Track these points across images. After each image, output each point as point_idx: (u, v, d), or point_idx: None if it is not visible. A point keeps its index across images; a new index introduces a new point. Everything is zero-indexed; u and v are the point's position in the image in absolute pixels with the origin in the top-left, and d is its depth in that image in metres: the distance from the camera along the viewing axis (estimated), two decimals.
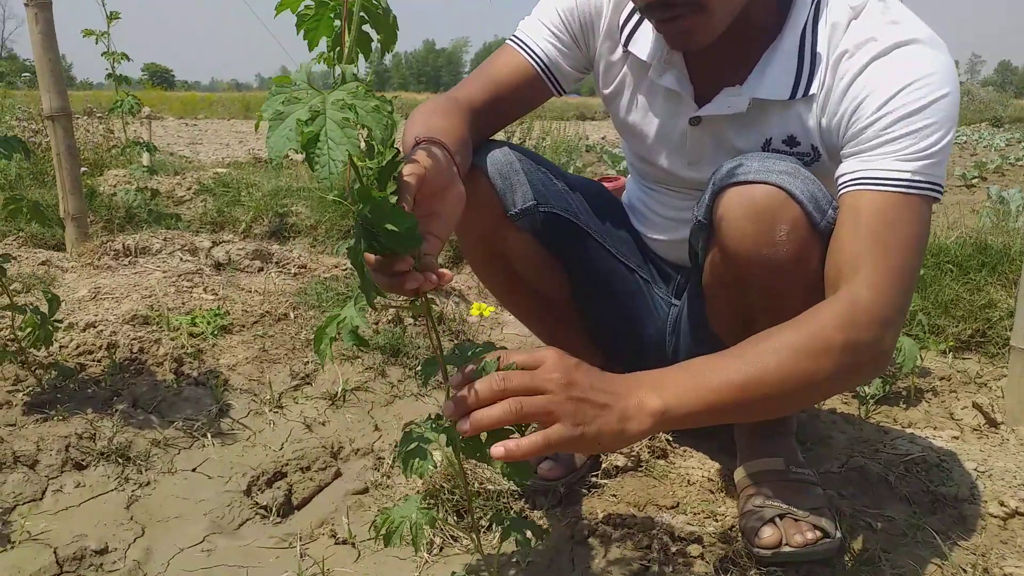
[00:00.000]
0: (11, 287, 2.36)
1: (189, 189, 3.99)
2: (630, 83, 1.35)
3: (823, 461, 1.50)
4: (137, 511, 1.50)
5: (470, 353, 0.95)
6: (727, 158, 1.25)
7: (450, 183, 0.95)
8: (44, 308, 1.78)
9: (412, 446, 0.93)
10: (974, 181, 7.42)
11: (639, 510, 1.34)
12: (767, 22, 1.19)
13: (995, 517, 1.33)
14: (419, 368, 2.20)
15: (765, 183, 1.09)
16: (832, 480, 1.44)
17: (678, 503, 1.36)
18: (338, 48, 0.78)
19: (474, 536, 1.10)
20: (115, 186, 3.74)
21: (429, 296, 0.91)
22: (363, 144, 0.78)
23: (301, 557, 1.38)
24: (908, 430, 1.68)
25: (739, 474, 1.34)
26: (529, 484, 1.41)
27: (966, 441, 1.62)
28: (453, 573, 1.25)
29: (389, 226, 0.79)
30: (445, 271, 0.86)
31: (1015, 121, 20.90)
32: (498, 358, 0.91)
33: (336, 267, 2.95)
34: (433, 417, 0.98)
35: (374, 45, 0.79)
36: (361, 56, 0.79)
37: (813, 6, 1.17)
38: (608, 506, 1.36)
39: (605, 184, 3.35)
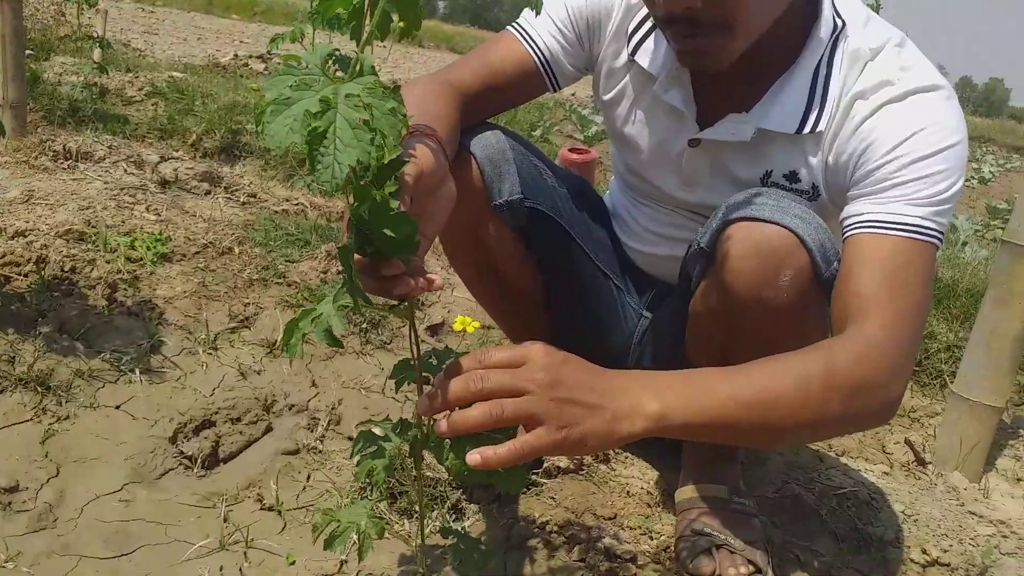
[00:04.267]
0: None
1: (140, 90, 3.77)
2: (631, 93, 1.29)
3: (758, 484, 1.51)
4: (52, 447, 1.42)
5: (450, 360, 0.90)
6: (723, 184, 1.21)
7: (443, 181, 0.89)
8: None
9: (372, 448, 0.89)
10: None
11: (576, 517, 1.33)
12: (783, 51, 1.14)
13: (916, 564, 1.37)
14: (364, 326, 2.15)
15: (778, 224, 1.06)
16: (766, 505, 1.45)
17: (616, 514, 1.35)
18: (354, 24, 0.70)
19: (417, 543, 1.07)
20: (60, 75, 3.50)
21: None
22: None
23: (224, 521, 1.33)
24: (842, 459, 1.71)
25: (681, 495, 1.34)
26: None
27: (895, 479, 1.65)
28: None
29: (387, 231, 0.73)
30: (435, 276, 0.80)
31: (974, 139, 21.47)
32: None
33: (287, 200, 2.84)
34: (395, 421, 0.93)
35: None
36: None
37: (831, 41, 1.13)
38: (546, 509, 1.34)
39: (575, 156, 3.27)
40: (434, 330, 2.15)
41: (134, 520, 1.30)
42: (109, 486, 1.36)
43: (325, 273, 2.18)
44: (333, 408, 1.73)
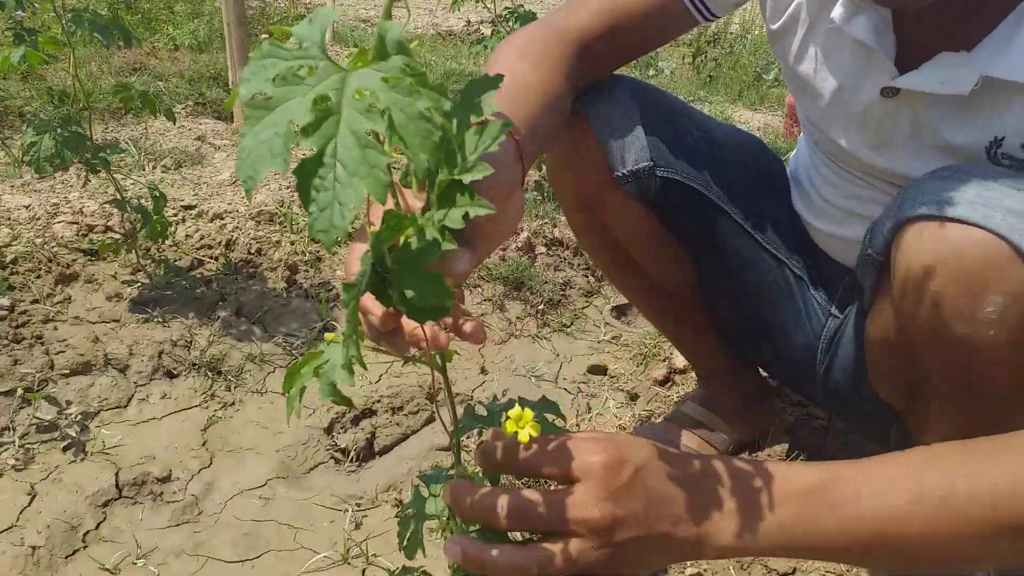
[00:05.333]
0: (163, 161, 2.37)
1: None
2: (804, 21, 0.98)
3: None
4: (212, 435, 1.44)
5: (486, 436, 0.71)
6: (929, 151, 0.88)
7: (509, 194, 0.67)
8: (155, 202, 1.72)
9: (409, 518, 0.73)
10: None
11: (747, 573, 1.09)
12: None
13: None
14: (541, 307, 1.99)
15: (980, 226, 0.71)
16: None
17: None
18: None
19: None
20: None
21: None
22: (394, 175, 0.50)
23: (356, 528, 1.26)
24: None
25: None
26: None
27: None
28: None
29: (409, 292, 0.53)
30: (471, 325, 0.61)
31: None
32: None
33: None
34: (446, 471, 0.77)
35: None
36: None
37: None
38: None
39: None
40: (620, 311, 1.95)
41: (268, 521, 1.26)
42: (255, 480, 1.35)
43: (503, 251, 2.06)
44: (497, 399, 1.60)
